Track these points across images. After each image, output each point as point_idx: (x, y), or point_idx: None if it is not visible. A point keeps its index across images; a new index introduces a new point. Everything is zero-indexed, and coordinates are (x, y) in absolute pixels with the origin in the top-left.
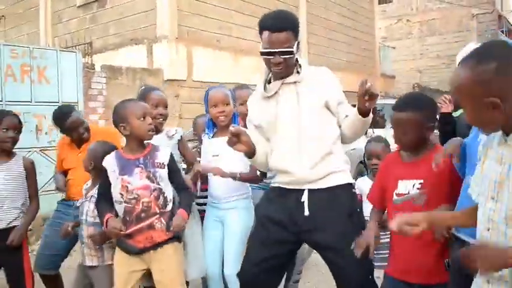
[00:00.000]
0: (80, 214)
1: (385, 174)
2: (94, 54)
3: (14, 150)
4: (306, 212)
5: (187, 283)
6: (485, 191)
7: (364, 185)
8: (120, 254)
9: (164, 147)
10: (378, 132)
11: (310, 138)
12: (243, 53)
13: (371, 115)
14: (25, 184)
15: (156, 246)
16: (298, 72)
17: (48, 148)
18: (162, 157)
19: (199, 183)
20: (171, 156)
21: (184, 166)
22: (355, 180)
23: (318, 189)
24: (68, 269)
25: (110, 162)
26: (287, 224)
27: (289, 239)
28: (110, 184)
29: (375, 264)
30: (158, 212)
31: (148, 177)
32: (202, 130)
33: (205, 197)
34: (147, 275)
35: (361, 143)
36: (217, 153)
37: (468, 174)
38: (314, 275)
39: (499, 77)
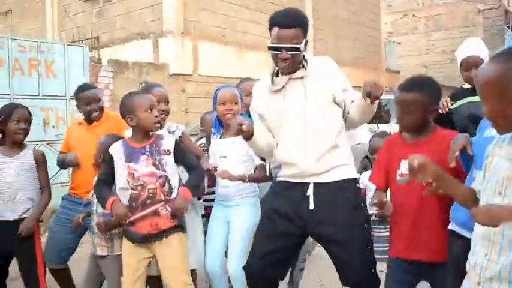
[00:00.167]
0: (91, 204)
1: (387, 154)
2: (100, 49)
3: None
4: (311, 206)
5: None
6: (492, 185)
7: (367, 180)
8: (127, 244)
9: (168, 135)
10: (383, 127)
11: (316, 131)
12: (248, 47)
13: (377, 102)
14: (36, 175)
15: (161, 234)
16: (304, 67)
17: (55, 141)
18: (167, 144)
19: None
20: (176, 142)
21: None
22: (360, 174)
23: (323, 183)
24: (76, 261)
25: (116, 150)
26: (293, 217)
27: (295, 232)
28: (113, 171)
29: (376, 256)
30: (163, 198)
31: (154, 164)
32: (210, 127)
33: (212, 193)
34: (153, 263)
35: (365, 138)
36: (224, 155)
37: (475, 169)
38: (318, 268)
39: None
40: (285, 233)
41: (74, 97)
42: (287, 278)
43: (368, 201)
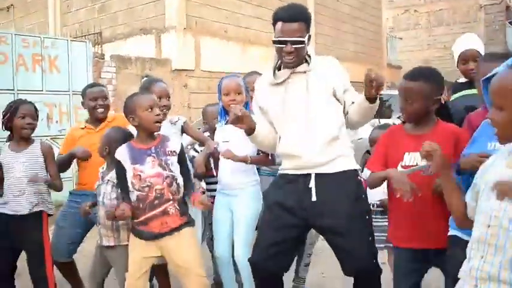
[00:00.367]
0: (97, 196)
1: (388, 143)
2: (103, 44)
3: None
4: (314, 198)
5: None
6: (491, 191)
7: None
8: (135, 240)
9: (174, 137)
10: (384, 122)
11: (317, 123)
12: (250, 42)
13: (377, 101)
14: (44, 169)
15: (172, 231)
16: (307, 62)
17: (58, 136)
18: (173, 145)
19: (212, 164)
20: (182, 145)
21: (195, 153)
22: (362, 169)
23: (325, 174)
24: (81, 254)
25: (121, 153)
26: (295, 209)
27: (298, 224)
28: (126, 175)
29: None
30: (171, 198)
31: (160, 165)
32: (212, 119)
33: (215, 182)
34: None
35: (367, 133)
36: (227, 139)
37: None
38: (320, 260)
39: None
40: (289, 225)
41: (81, 94)
42: (293, 273)
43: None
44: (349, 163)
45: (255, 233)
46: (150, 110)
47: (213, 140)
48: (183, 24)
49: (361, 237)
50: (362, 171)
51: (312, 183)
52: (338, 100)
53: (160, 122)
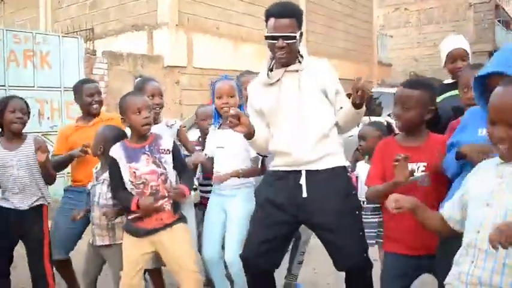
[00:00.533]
0: (91, 196)
1: (384, 155)
2: (95, 40)
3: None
4: (304, 194)
5: None
6: (480, 198)
7: (361, 170)
8: (128, 239)
9: (166, 135)
10: (374, 120)
11: (309, 122)
12: (242, 40)
13: (363, 108)
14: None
15: (165, 227)
16: (299, 62)
17: (50, 133)
18: (166, 144)
19: (198, 172)
20: (174, 142)
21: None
22: (353, 166)
23: (315, 170)
24: (76, 252)
25: (116, 152)
26: (286, 206)
27: (289, 220)
28: (121, 172)
29: None
30: (167, 194)
31: (154, 163)
32: (201, 119)
33: (208, 185)
34: (154, 256)
35: (358, 131)
36: (222, 145)
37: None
38: (311, 257)
39: None
40: (280, 221)
41: (73, 89)
42: (285, 270)
43: (360, 189)
44: (339, 160)
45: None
46: (138, 113)
47: (204, 144)
48: (175, 21)
49: (352, 233)
50: (352, 168)
51: (303, 180)
52: (329, 100)
53: (149, 125)
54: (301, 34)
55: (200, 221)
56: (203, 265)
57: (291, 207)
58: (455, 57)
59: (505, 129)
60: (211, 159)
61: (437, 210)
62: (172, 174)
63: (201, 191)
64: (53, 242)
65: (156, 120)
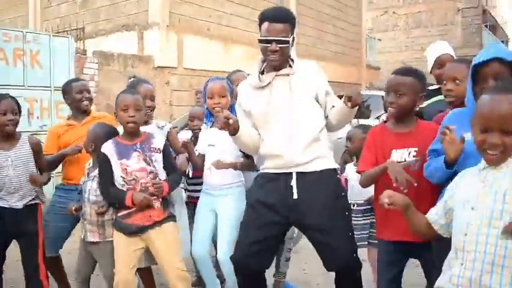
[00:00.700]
0: (83, 192)
1: (376, 142)
2: (85, 40)
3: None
4: (295, 196)
5: None
6: (466, 203)
7: (350, 172)
8: (119, 236)
9: (158, 134)
10: (363, 122)
11: (300, 125)
12: (232, 41)
13: (356, 107)
14: (34, 164)
15: (154, 224)
16: (290, 66)
17: (39, 132)
18: (158, 143)
19: (189, 170)
20: (166, 142)
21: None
22: (342, 168)
23: (306, 172)
24: (67, 250)
25: (108, 148)
26: (277, 207)
27: (280, 221)
28: (112, 169)
29: None
30: (154, 192)
31: (145, 160)
32: (190, 120)
33: (198, 184)
34: (147, 254)
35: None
36: (213, 143)
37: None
38: (301, 257)
39: None
40: (270, 222)
41: (62, 89)
42: (273, 269)
43: (349, 191)
44: (329, 163)
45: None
46: (125, 110)
47: (196, 142)
48: (166, 22)
49: (342, 234)
50: (341, 170)
51: (293, 182)
52: (319, 103)
53: (134, 123)
54: (293, 39)
55: (189, 220)
56: (194, 264)
57: (282, 209)
58: (443, 62)
59: (499, 136)
60: (202, 157)
61: (426, 194)
62: (162, 173)
63: (189, 190)
64: (44, 240)
65: (147, 122)
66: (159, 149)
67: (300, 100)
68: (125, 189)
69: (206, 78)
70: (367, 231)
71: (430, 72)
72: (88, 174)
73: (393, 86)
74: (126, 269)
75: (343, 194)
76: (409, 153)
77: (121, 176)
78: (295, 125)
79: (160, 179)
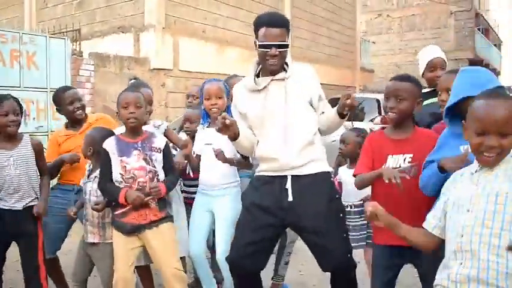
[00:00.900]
0: (84, 194)
1: (373, 147)
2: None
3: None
4: (290, 198)
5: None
6: (461, 206)
7: (343, 173)
8: (118, 236)
9: (160, 134)
10: (357, 125)
11: (295, 129)
12: (227, 43)
13: (346, 117)
14: (35, 165)
15: (151, 224)
16: (285, 70)
17: (36, 133)
18: (159, 143)
19: (189, 170)
20: (167, 142)
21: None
22: (336, 171)
23: (300, 175)
24: (64, 252)
25: (110, 145)
26: (273, 209)
27: (275, 223)
28: (111, 165)
29: (352, 244)
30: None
31: (144, 159)
32: (183, 122)
33: (194, 185)
34: (145, 253)
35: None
36: (209, 142)
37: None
38: (297, 260)
39: None
40: (266, 224)
41: (53, 99)
42: (271, 272)
43: (344, 193)
44: (323, 166)
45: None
46: (126, 107)
47: (192, 143)
48: (162, 24)
49: (337, 236)
50: (334, 173)
51: (288, 184)
52: (313, 107)
53: (135, 119)
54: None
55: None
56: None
57: (277, 211)
58: (435, 65)
59: (496, 139)
60: (198, 157)
61: (419, 199)
62: (162, 173)
63: (185, 191)
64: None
65: (144, 124)
66: (159, 148)
67: (294, 104)
68: (122, 186)
69: (202, 81)
70: (365, 232)
71: (422, 76)
72: (88, 175)
73: (393, 91)
74: (124, 266)
75: (337, 196)
76: (405, 159)
77: (119, 173)
78: (290, 129)
79: (159, 179)
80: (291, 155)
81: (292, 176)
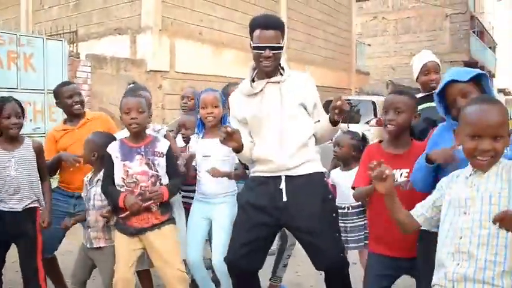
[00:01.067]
0: (86, 200)
1: (371, 161)
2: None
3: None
4: (284, 198)
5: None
6: (457, 208)
7: (336, 176)
8: (121, 237)
9: (163, 138)
10: (353, 127)
11: (290, 132)
12: (223, 45)
13: (340, 125)
14: (36, 167)
15: (153, 227)
16: (281, 73)
17: (33, 135)
18: (162, 147)
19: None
20: (170, 147)
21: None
22: (328, 171)
23: (294, 176)
24: (62, 253)
25: (113, 149)
26: (268, 209)
27: (270, 223)
28: (113, 169)
29: (351, 245)
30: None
31: (147, 164)
32: (178, 127)
33: (191, 191)
34: (144, 256)
35: None
36: (208, 154)
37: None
38: (294, 261)
39: None
40: (260, 223)
41: (53, 93)
42: (269, 273)
43: (340, 196)
44: (317, 167)
45: None
46: (127, 113)
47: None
48: (159, 26)
49: (330, 236)
50: (328, 175)
51: (283, 185)
52: (307, 112)
53: (137, 125)
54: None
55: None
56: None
57: (273, 210)
58: (429, 69)
59: (489, 142)
60: (193, 168)
61: None
62: (165, 178)
63: (183, 196)
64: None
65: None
66: (162, 153)
67: (290, 107)
68: (123, 190)
69: (198, 82)
70: (363, 233)
71: (416, 80)
72: (89, 183)
73: (392, 104)
74: (125, 267)
75: (330, 196)
76: (401, 174)
77: (121, 178)
78: (285, 131)
79: (162, 184)
80: (285, 157)
81: (286, 176)
